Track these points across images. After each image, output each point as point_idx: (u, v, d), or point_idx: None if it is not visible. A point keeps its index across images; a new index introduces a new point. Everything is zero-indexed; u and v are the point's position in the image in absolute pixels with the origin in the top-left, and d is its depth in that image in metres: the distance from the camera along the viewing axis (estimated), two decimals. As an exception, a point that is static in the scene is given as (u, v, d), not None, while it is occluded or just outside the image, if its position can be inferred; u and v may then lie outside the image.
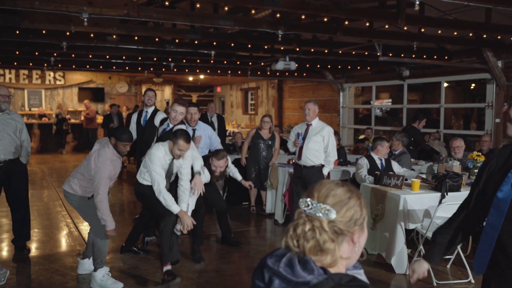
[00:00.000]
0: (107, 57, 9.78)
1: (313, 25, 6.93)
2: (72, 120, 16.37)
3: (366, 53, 8.86)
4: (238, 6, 6.12)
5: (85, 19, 4.97)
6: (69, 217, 6.87)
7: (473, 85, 13.12)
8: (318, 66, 11.20)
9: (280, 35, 6.13)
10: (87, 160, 4.29)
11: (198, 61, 10.45)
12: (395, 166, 5.88)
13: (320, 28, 6.79)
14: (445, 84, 10.04)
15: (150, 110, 6.41)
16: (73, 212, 6.85)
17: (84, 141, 15.84)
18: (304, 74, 13.00)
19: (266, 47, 8.65)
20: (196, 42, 8.07)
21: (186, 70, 12.38)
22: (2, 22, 5.73)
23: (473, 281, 4.55)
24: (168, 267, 4.40)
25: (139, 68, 12.11)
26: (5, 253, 5.35)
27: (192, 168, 4.71)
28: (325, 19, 6.71)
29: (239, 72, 12.40)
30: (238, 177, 5.75)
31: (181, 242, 5.24)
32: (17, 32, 6.79)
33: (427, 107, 11.97)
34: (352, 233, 1.26)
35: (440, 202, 4.73)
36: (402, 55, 8.62)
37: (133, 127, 6.50)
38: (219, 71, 12.51)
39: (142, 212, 6.69)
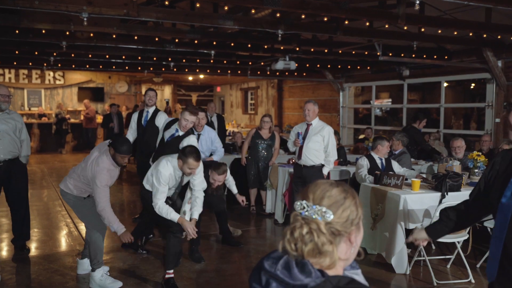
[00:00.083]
0: (107, 56, 9.78)
1: (313, 24, 6.92)
2: (72, 120, 16.36)
3: (366, 52, 8.85)
4: (238, 5, 6.11)
5: (85, 19, 4.96)
6: (69, 217, 6.87)
7: (473, 85, 13.12)
8: (318, 65, 11.19)
9: (280, 35, 6.12)
10: (85, 163, 4.28)
11: (198, 60, 10.45)
12: (395, 165, 5.88)
13: (320, 28, 6.78)
14: (445, 84, 10.04)
15: (151, 110, 6.39)
16: (72, 212, 6.81)
17: (84, 141, 15.84)
18: (304, 74, 13.00)
19: (266, 46, 8.64)
20: (196, 41, 8.06)
21: (186, 70, 12.38)
22: (1, 22, 5.72)
23: (473, 281, 4.54)
24: (171, 275, 4.30)
25: (139, 68, 12.11)
26: (4, 253, 5.34)
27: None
28: (325, 19, 6.70)
29: (239, 71, 12.39)
30: (234, 190, 5.69)
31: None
32: (17, 31, 6.78)
33: (427, 107, 11.97)
34: (349, 233, 1.25)
35: (440, 202, 4.73)
36: (402, 55, 8.62)
37: (133, 127, 6.48)
38: (219, 71, 12.51)
39: (142, 212, 6.71)
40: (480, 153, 5.79)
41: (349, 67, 11.32)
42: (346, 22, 6.43)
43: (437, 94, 11.66)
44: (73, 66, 11.64)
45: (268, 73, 12.16)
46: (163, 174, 4.23)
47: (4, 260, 5.05)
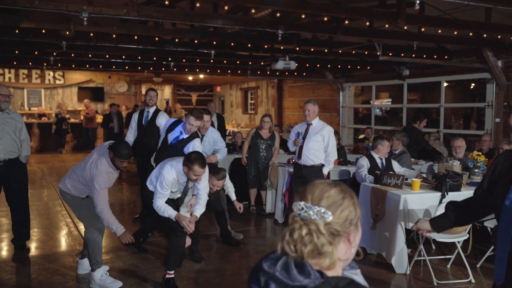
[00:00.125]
0: (107, 56, 9.77)
1: (313, 24, 6.92)
2: (72, 120, 16.36)
3: (366, 52, 8.85)
4: (238, 5, 6.11)
5: (85, 19, 4.96)
6: (69, 217, 6.86)
7: (473, 84, 13.12)
8: (318, 65, 11.19)
9: (280, 35, 6.12)
10: (84, 163, 4.28)
11: (198, 60, 10.45)
12: (396, 165, 5.87)
13: (320, 28, 6.78)
14: (445, 84, 10.03)
15: (152, 110, 6.37)
16: (72, 212, 6.84)
17: (84, 141, 15.84)
18: (304, 74, 13.00)
19: (266, 46, 8.64)
20: (196, 41, 8.05)
21: (186, 70, 12.38)
22: (2, 22, 5.72)
23: (473, 280, 4.54)
24: (171, 275, 4.30)
25: (139, 68, 12.10)
26: (4, 252, 5.34)
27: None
28: (325, 19, 6.70)
29: (239, 71, 12.39)
30: (233, 196, 5.68)
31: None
32: (17, 31, 6.78)
33: (427, 106, 11.97)
34: (348, 234, 1.25)
35: (440, 201, 4.73)
36: (402, 55, 8.62)
37: (134, 127, 6.45)
38: (218, 71, 12.51)
39: (142, 211, 6.71)
40: (480, 153, 5.79)
41: (349, 67, 11.32)
42: (346, 22, 6.43)
43: (437, 94, 11.65)
44: (73, 66, 11.64)
45: (268, 73, 12.16)
46: (166, 179, 4.24)
47: (4, 260, 5.05)
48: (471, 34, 7.34)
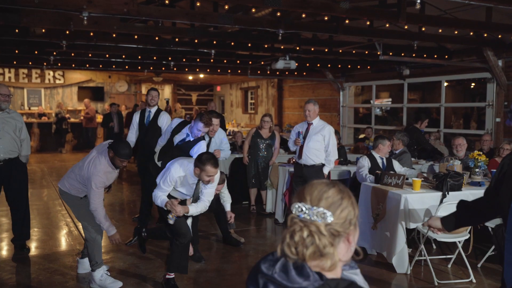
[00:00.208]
0: (107, 56, 9.76)
1: (313, 24, 6.91)
2: (72, 119, 16.35)
3: (367, 52, 8.84)
4: (238, 4, 6.10)
5: (85, 18, 4.95)
6: (69, 216, 6.86)
7: (473, 84, 13.11)
8: (318, 65, 11.18)
9: (280, 34, 6.11)
10: (83, 162, 4.27)
11: (198, 60, 10.43)
12: (396, 165, 5.87)
13: (320, 27, 6.77)
14: (445, 84, 10.03)
15: (153, 110, 6.34)
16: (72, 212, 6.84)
17: (84, 140, 15.83)
18: (304, 73, 12.98)
19: (266, 46, 8.63)
20: (196, 41, 8.05)
21: (186, 69, 12.37)
22: (1, 21, 5.71)
23: (474, 280, 4.53)
24: (171, 276, 4.28)
25: (139, 67, 12.09)
26: (4, 252, 5.33)
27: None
28: (326, 18, 6.69)
29: (239, 71, 12.38)
30: (227, 207, 5.51)
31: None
32: (17, 30, 6.77)
33: (427, 106, 11.96)
34: (348, 234, 1.25)
35: (441, 201, 4.72)
36: (403, 54, 8.61)
37: (135, 127, 6.41)
38: (219, 70, 12.49)
39: (141, 211, 6.69)
40: (481, 153, 5.78)
41: (349, 66, 11.30)
42: (347, 22, 6.42)
43: (437, 93, 11.65)
44: (73, 65, 11.63)
45: (268, 72, 12.15)
46: (172, 176, 4.15)
47: (4, 260, 5.05)
48: (471, 33, 7.33)
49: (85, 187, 4.25)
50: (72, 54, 9.50)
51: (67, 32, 7.01)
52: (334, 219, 1.21)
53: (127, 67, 11.97)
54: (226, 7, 6.15)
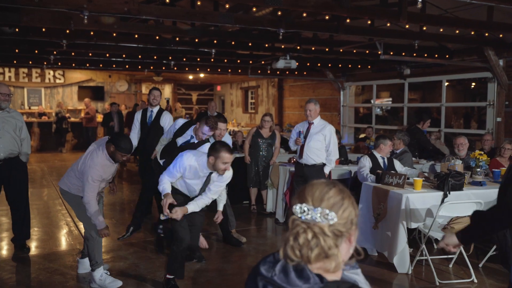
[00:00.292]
0: (107, 55, 9.75)
1: (314, 23, 6.89)
2: (72, 119, 16.34)
3: (367, 51, 8.82)
4: (239, 3, 6.08)
5: (85, 17, 4.93)
6: (69, 216, 6.84)
7: (473, 84, 13.11)
8: (319, 64, 11.17)
9: (280, 34, 6.09)
10: (81, 158, 4.26)
11: (198, 59, 10.42)
12: (397, 164, 5.85)
13: (321, 27, 6.75)
14: (446, 83, 10.02)
15: (155, 110, 6.31)
16: (73, 211, 6.82)
17: (84, 140, 15.81)
18: (305, 73, 12.97)
19: (266, 45, 8.62)
20: (196, 40, 8.03)
21: (186, 69, 12.35)
22: (1, 20, 5.70)
23: (475, 280, 4.52)
24: (172, 276, 4.25)
25: (139, 67, 12.08)
26: (4, 252, 5.32)
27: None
28: (326, 17, 6.68)
29: (240, 70, 12.37)
30: (220, 207, 5.27)
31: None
32: (17, 30, 6.75)
33: (428, 106, 11.95)
34: (349, 234, 1.24)
35: (442, 201, 4.70)
36: (403, 54, 8.59)
37: (137, 126, 6.37)
38: (219, 70, 12.48)
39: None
40: (482, 152, 5.77)
41: (349, 66, 11.29)
42: (348, 21, 6.40)
43: (437, 93, 11.64)
44: (73, 64, 11.62)
45: (268, 72, 12.14)
46: (183, 163, 4.03)
47: (4, 259, 5.04)
48: (472, 33, 7.32)
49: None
50: (72, 54, 9.49)
51: (67, 31, 6.99)
52: (337, 220, 1.20)
53: (127, 66, 11.96)
54: (227, 6, 6.14)
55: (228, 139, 6.09)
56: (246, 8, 6.35)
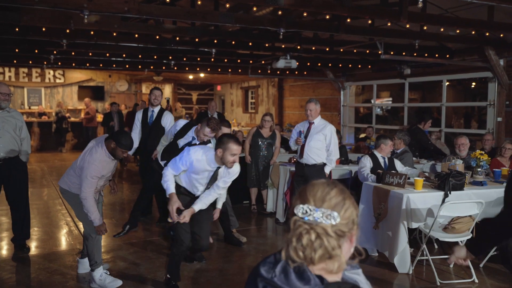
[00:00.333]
0: (107, 55, 9.75)
1: (314, 23, 6.89)
2: (72, 119, 16.34)
3: (368, 51, 8.82)
4: (239, 3, 6.08)
5: (85, 17, 4.92)
6: (69, 216, 6.84)
7: (474, 83, 13.10)
8: (319, 64, 11.16)
9: (281, 33, 6.09)
10: (80, 156, 4.25)
11: (198, 59, 10.41)
12: (398, 164, 5.85)
13: (321, 26, 6.74)
14: (446, 83, 10.01)
15: (156, 109, 6.30)
16: (73, 211, 6.81)
17: (84, 140, 15.77)
18: (305, 73, 12.96)
19: (267, 45, 8.61)
20: (196, 40, 8.03)
21: (187, 69, 12.35)
22: (1, 20, 5.69)
23: (476, 280, 4.51)
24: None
25: (139, 66, 12.07)
26: (4, 252, 5.31)
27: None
28: (327, 17, 6.67)
29: (240, 70, 12.36)
30: (219, 204, 5.35)
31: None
32: (17, 29, 6.74)
33: (428, 105, 11.94)
34: (351, 234, 1.24)
35: (443, 201, 4.69)
36: (404, 54, 8.58)
37: (138, 126, 6.35)
38: (219, 70, 12.47)
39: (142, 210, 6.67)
40: (483, 152, 5.76)
41: (350, 65, 11.29)
42: (348, 20, 6.40)
43: (438, 93, 11.63)
44: (73, 64, 11.60)
45: (269, 71, 12.14)
46: (190, 156, 3.97)
47: (4, 259, 5.03)
48: (473, 32, 7.31)
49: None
50: (73, 53, 9.49)
51: (68, 31, 6.99)
52: (340, 220, 1.19)
53: (127, 66, 11.95)
54: (227, 5, 6.13)
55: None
56: (247, 7, 6.34)
